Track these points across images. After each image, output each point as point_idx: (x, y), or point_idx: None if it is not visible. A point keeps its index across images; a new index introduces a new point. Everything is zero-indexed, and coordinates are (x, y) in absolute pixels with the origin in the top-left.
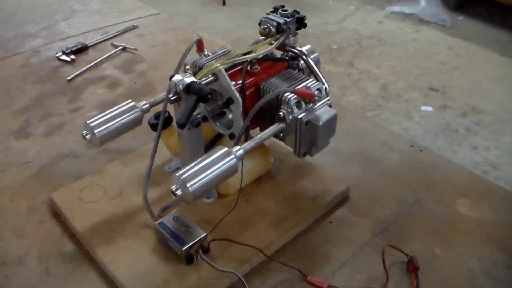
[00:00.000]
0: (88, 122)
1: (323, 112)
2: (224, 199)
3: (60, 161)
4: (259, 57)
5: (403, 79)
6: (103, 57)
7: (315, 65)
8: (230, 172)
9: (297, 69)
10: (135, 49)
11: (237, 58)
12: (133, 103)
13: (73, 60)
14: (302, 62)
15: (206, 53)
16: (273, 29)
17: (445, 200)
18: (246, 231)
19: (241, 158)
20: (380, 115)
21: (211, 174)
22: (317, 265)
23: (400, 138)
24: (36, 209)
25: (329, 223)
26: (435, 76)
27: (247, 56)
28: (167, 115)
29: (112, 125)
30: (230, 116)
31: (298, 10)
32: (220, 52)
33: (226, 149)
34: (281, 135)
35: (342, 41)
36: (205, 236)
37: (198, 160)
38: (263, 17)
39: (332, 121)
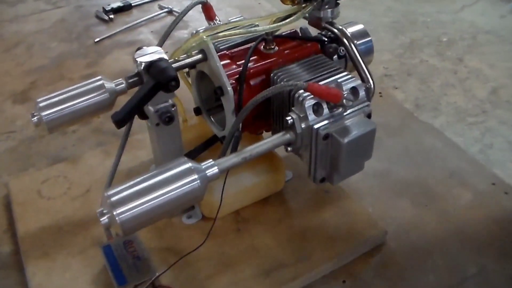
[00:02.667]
0: (38, 100)
1: (354, 124)
2: (209, 223)
3: (45, 136)
4: (272, 31)
5: None
6: (142, 19)
7: (363, 55)
8: (189, 199)
9: (336, 56)
10: None
11: (239, 30)
12: (101, 81)
13: (110, 19)
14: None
15: (218, 21)
16: None
17: None
18: (223, 275)
19: (213, 179)
20: (484, 123)
21: (156, 201)
22: None
23: (481, 170)
24: None
25: (342, 282)
26: None
27: (255, 28)
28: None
29: (66, 107)
30: None
31: None
32: (237, 20)
33: (188, 164)
34: (289, 148)
35: (455, 34)
36: (156, 278)
37: (143, 177)
38: None
39: (367, 138)
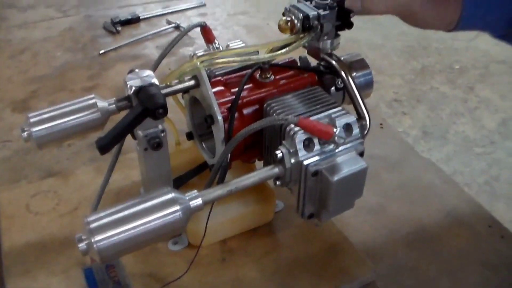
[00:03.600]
0: (29, 115)
1: (345, 161)
2: (195, 250)
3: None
4: (268, 60)
5: None
6: (149, 33)
7: (362, 89)
8: (170, 229)
9: (334, 88)
10: None
11: (234, 58)
12: (94, 100)
13: (117, 31)
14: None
15: (216, 45)
16: (298, 24)
17: None
18: None
19: (197, 210)
20: (492, 154)
21: (136, 230)
22: None
23: (479, 210)
24: None
25: None
26: None
27: (250, 57)
28: None
29: (57, 124)
30: None
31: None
32: (236, 47)
33: (171, 195)
34: (277, 182)
35: (467, 62)
36: None
37: (124, 204)
38: (289, 5)
39: (358, 177)
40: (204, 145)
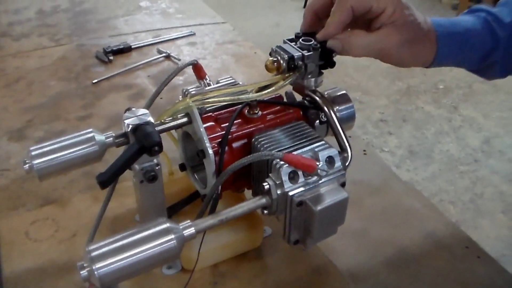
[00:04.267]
0: (31, 148)
1: (327, 192)
2: (188, 274)
3: (36, 177)
4: (256, 99)
5: None
6: (140, 63)
7: (344, 121)
8: (165, 257)
9: (318, 121)
10: (179, 59)
11: (224, 98)
12: (92, 133)
13: (110, 60)
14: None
15: (207, 81)
16: (283, 64)
17: None
18: None
19: (190, 239)
20: (475, 172)
21: (134, 257)
22: None
23: (456, 233)
24: None
25: None
26: None
27: (240, 96)
28: None
29: (57, 157)
30: None
31: (327, 40)
32: (225, 83)
33: (166, 225)
34: (265, 211)
35: (451, 82)
36: None
37: (123, 234)
38: (276, 46)
39: (339, 206)
40: (196, 176)
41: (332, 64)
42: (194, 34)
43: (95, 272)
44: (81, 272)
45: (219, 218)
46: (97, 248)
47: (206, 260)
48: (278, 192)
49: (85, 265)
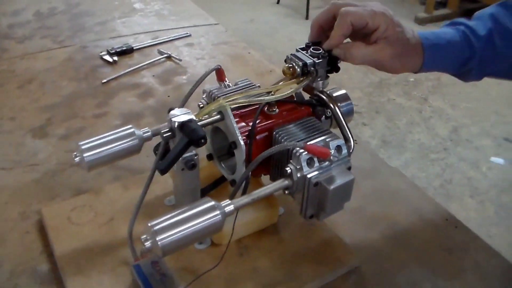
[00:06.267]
0: (80, 143)
1: (338, 174)
2: (217, 249)
3: (66, 169)
4: (275, 100)
5: (478, 125)
6: (144, 63)
7: (345, 116)
8: (212, 229)
9: (323, 116)
10: (180, 59)
11: (250, 99)
12: (132, 129)
13: (115, 61)
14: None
15: (227, 83)
16: (298, 70)
17: None
18: None
19: (230, 215)
20: (445, 159)
21: (188, 230)
22: None
23: (437, 208)
24: (26, 217)
25: None
26: None
27: (263, 98)
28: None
29: (104, 150)
30: None
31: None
32: (242, 85)
33: (212, 203)
34: (286, 192)
35: (421, 74)
36: None
37: (178, 211)
38: (290, 54)
39: (347, 186)
40: (222, 164)
41: (337, 69)
42: (190, 35)
43: (159, 243)
44: (145, 244)
45: (252, 197)
46: (158, 223)
47: (233, 235)
48: (298, 175)
49: (148, 237)
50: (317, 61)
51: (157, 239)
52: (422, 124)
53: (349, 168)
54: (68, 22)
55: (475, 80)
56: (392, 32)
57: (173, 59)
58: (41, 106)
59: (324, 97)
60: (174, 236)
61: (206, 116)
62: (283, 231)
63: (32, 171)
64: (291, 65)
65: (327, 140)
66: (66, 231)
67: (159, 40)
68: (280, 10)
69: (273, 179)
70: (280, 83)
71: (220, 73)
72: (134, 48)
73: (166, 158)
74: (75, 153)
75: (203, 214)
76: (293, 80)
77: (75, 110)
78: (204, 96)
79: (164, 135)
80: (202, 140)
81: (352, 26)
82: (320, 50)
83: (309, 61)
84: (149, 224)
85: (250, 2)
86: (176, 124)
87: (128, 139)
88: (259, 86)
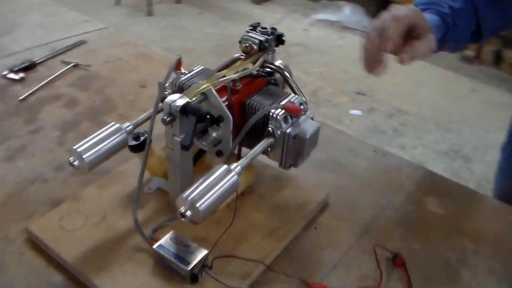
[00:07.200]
0: (74, 147)
1: (308, 125)
2: (212, 216)
3: (28, 187)
4: (248, 74)
5: (332, 85)
6: (55, 75)
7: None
8: (233, 188)
9: (274, 84)
10: (89, 66)
11: (228, 77)
12: (117, 125)
13: (22, 78)
14: (277, 77)
15: (182, 71)
16: (255, 47)
17: (413, 199)
18: (241, 245)
19: (239, 175)
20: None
21: (217, 192)
22: (311, 269)
23: (364, 144)
24: (11, 240)
25: (314, 229)
26: (362, 81)
27: (238, 73)
28: (144, 137)
29: (100, 149)
30: (214, 134)
31: (275, 27)
32: (198, 70)
33: (226, 166)
34: (268, 149)
35: None
36: (208, 254)
37: (200, 180)
38: (244, 35)
39: (316, 133)
40: (202, 142)
41: (282, 43)
42: (86, 41)
43: (199, 209)
44: (186, 214)
45: (250, 157)
46: (190, 193)
47: (225, 201)
48: (279, 132)
49: (186, 208)
50: (269, 38)
51: (197, 205)
52: None
53: (312, 119)
54: None
55: (457, 50)
56: (427, 24)
57: (81, 67)
58: None
59: (275, 67)
60: (209, 200)
61: (194, 98)
62: (259, 188)
63: None
64: (248, 44)
65: (292, 100)
66: (66, 239)
67: (58, 51)
68: (121, 11)
69: (250, 146)
70: (238, 63)
71: (178, 64)
72: (36, 62)
73: (185, 135)
74: (71, 158)
75: (223, 177)
76: (250, 57)
77: (5, 131)
78: (167, 85)
79: (167, 119)
80: (208, 116)
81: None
82: (266, 28)
83: (263, 38)
84: (183, 196)
85: (87, 7)
86: (179, 107)
87: (117, 134)
88: (214, 69)
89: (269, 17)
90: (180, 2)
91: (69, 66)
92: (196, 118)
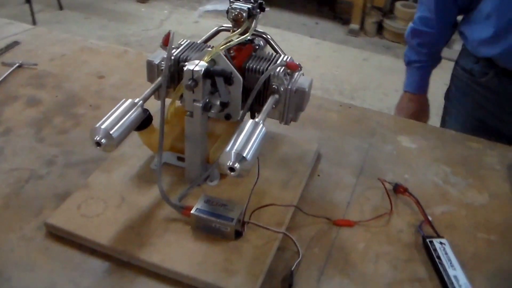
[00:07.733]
0: (98, 125)
1: (303, 80)
2: (227, 179)
3: (24, 186)
4: (245, 40)
5: None
6: (2, 77)
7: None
8: (265, 139)
9: (258, 49)
10: (35, 64)
11: (235, 41)
12: (130, 100)
13: None
14: (258, 42)
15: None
16: (244, 15)
17: (389, 140)
18: (265, 197)
19: (264, 127)
20: None
21: (255, 143)
22: (330, 210)
23: (329, 101)
24: (31, 238)
25: (317, 176)
26: None
27: (243, 37)
28: (148, 113)
29: (123, 123)
30: (218, 103)
31: None
32: (186, 44)
33: (252, 121)
34: (273, 106)
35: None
36: (245, 208)
37: (234, 136)
38: (230, 5)
39: (310, 87)
40: None
41: (263, 9)
42: (20, 43)
43: (247, 158)
44: (235, 166)
45: (266, 113)
46: (232, 147)
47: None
48: (282, 88)
49: (233, 161)
50: (254, 6)
51: (244, 155)
52: None
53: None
54: None
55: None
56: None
57: (27, 66)
58: None
59: (260, 32)
60: (252, 150)
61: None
62: None
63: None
64: (237, 12)
65: (285, 59)
66: (94, 225)
67: None
68: (2, 22)
69: (251, 109)
70: (230, 34)
71: (166, 39)
72: None
73: (221, 94)
74: (96, 137)
75: (255, 130)
76: (242, 25)
77: None
78: (162, 62)
79: (192, 85)
80: (232, 74)
81: None
82: None
83: (249, 6)
84: (227, 151)
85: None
86: (202, 71)
87: (135, 109)
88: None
89: (157, 14)
90: (63, 9)
91: (14, 67)
92: (223, 78)
